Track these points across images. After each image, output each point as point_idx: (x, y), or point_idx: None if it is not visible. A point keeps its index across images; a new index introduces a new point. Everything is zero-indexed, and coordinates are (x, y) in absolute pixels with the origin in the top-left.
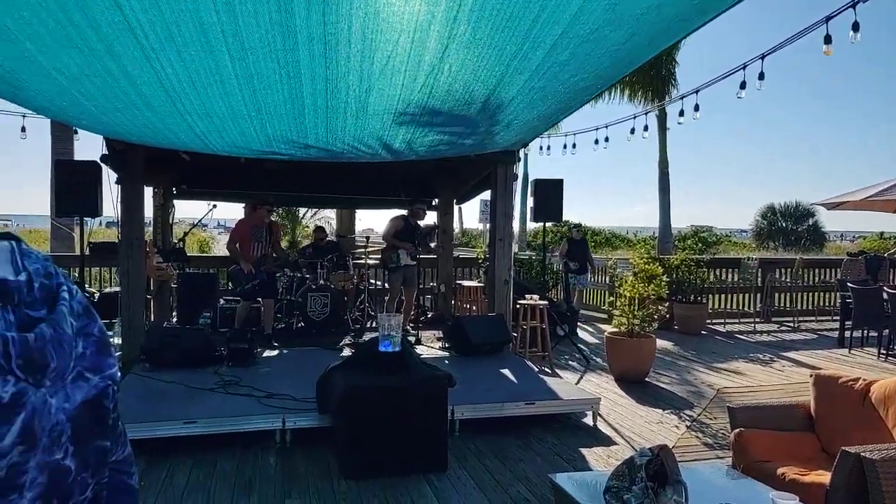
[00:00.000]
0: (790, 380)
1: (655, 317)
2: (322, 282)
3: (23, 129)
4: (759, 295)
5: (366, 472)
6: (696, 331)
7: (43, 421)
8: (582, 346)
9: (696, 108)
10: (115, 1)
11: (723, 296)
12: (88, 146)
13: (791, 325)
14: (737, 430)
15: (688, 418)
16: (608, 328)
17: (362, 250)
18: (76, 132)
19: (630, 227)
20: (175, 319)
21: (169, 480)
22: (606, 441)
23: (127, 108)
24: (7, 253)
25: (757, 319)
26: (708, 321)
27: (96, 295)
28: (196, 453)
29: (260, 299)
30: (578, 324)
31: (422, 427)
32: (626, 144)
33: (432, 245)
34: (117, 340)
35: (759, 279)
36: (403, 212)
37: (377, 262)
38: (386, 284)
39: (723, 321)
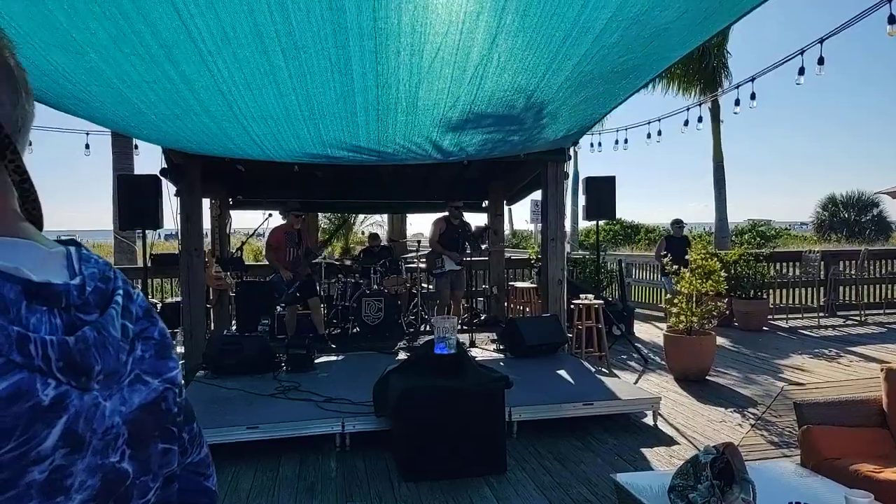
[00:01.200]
0: (858, 375)
1: (714, 313)
2: (376, 286)
3: (87, 147)
4: (822, 289)
5: (425, 475)
6: (757, 327)
7: (94, 424)
8: (639, 346)
9: (753, 96)
10: (174, 6)
11: (784, 290)
12: (147, 161)
13: (857, 318)
14: (804, 427)
15: (752, 416)
16: (665, 326)
17: (414, 254)
18: (136, 147)
19: (686, 224)
20: (234, 327)
21: (234, 485)
22: (668, 441)
23: (186, 115)
24: (63, 258)
25: (821, 314)
26: (769, 317)
27: (158, 305)
28: (259, 458)
29: (308, 301)
30: (635, 323)
31: (479, 429)
32: (679, 139)
33: (484, 247)
34: (179, 349)
35: (822, 272)
36: (445, 213)
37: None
38: (433, 289)
39: (785, 316)
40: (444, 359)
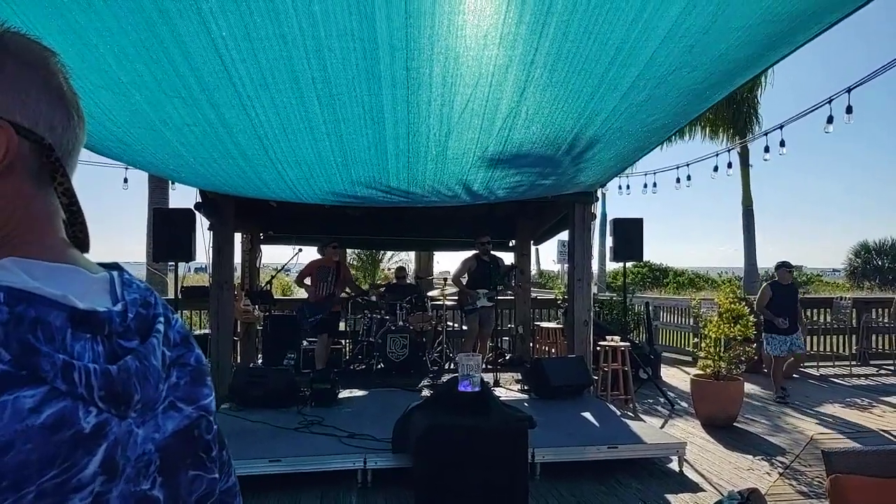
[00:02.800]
0: (892, 425)
1: (743, 358)
2: (401, 323)
3: (125, 181)
4: (854, 336)
5: None
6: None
7: (128, 451)
8: (665, 390)
9: (783, 143)
10: (217, 51)
11: (815, 337)
12: (182, 196)
13: (891, 367)
14: (833, 476)
15: (780, 465)
16: (693, 371)
17: (440, 292)
18: (172, 184)
19: (713, 268)
20: (261, 360)
21: None
22: (693, 487)
23: (223, 158)
24: (106, 283)
25: (853, 362)
26: (800, 364)
27: None
28: (280, 491)
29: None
30: (662, 366)
31: (502, 469)
32: (708, 184)
33: (512, 284)
34: None
35: (854, 320)
36: (475, 251)
37: (454, 303)
38: (464, 326)
39: (816, 364)
40: (468, 397)
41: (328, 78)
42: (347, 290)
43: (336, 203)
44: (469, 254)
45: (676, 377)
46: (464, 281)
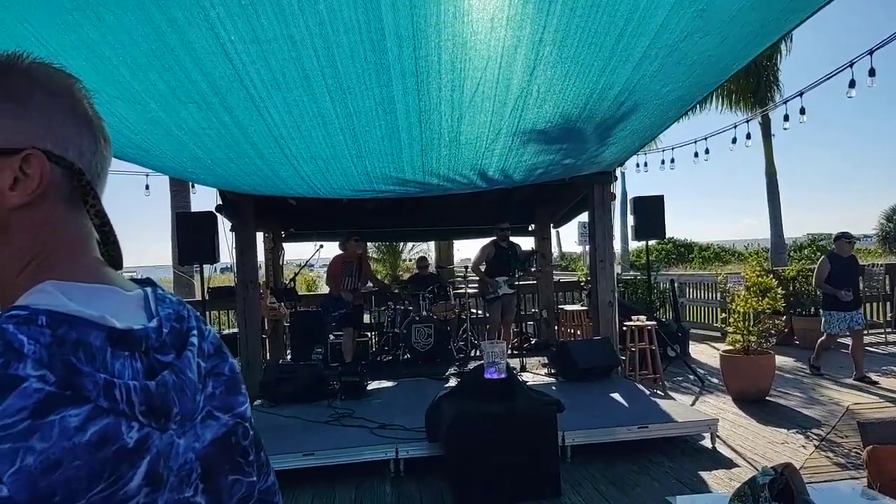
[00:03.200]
0: None
1: (773, 332)
2: (425, 313)
3: (146, 187)
4: (888, 303)
5: (479, 500)
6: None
7: (170, 462)
8: (695, 367)
9: (803, 111)
10: (227, 55)
11: None
12: (203, 199)
13: None
14: (870, 447)
15: (816, 438)
16: (722, 346)
17: (462, 280)
18: (193, 187)
19: (739, 241)
20: (289, 356)
21: None
22: (727, 463)
23: (240, 158)
24: (141, 300)
25: (888, 330)
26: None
27: None
28: (316, 484)
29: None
30: (690, 343)
31: (533, 453)
32: (729, 156)
33: (532, 270)
34: None
35: (888, 286)
36: (493, 238)
37: (476, 290)
38: (486, 313)
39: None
40: (495, 384)
41: (338, 73)
42: (370, 283)
43: (354, 197)
44: (487, 241)
45: (705, 353)
46: (483, 269)
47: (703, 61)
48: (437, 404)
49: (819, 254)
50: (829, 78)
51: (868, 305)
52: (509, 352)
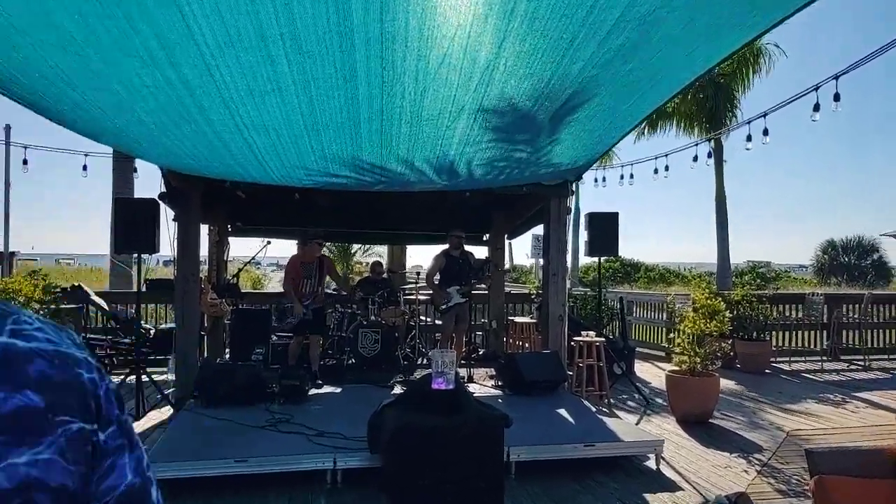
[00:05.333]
0: (866, 422)
1: (718, 354)
2: (373, 318)
3: (84, 168)
4: (825, 332)
5: None
6: (759, 369)
7: None
8: (640, 385)
9: (766, 132)
10: (178, 6)
11: (787, 333)
12: (147, 186)
13: (861, 363)
14: (817, 476)
15: (757, 462)
16: (668, 367)
17: (413, 286)
18: (135, 171)
19: (684, 263)
20: (228, 355)
21: None
22: (671, 486)
23: (186, 123)
24: None
25: (824, 358)
26: (772, 359)
27: (152, 331)
28: (248, 492)
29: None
30: (635, 362)
31: (477, 469)
32: (677, 179)
33: (484, 278)
34: (171, 377)
35: (826, 316)
36: (445, 246)
37: (428, 297)
38: (437, 321)
39: (788, 359)
40: (442, 394)
41: (297, 34)
42: (334, 286)
43: (308, 186)
44: (438, 250)
45: (650, 372)
46: (437, 280)
47: (667, 45)
48: (380, 413)
49: (759, 280)
50: (793, 100)
51: (806, 333)
52: (459, 362)
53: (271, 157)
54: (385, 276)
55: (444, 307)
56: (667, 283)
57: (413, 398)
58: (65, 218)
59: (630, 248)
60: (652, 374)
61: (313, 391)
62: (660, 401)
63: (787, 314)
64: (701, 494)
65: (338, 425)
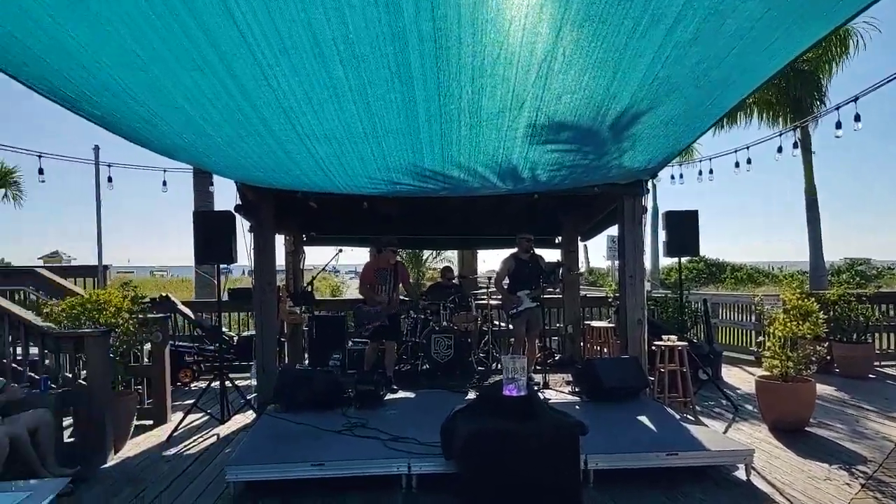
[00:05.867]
0: None
1: (814, 358)
2: (445, 323)
3: (164, 183)
4: None
5: None
6: (862, 374)
7: None
8: (728, 391)
9: (857, 118)
10: (231, 16)
11: (892, 334)
12: (226, 201)
13: None
14: None
15: (862, 475)
16: (757, 371)
17: (485, 291)
18: (212, 185)
19: (774, 262)
20: (307, 361)
21: None
22: (764, 499)
23: (251, 136)
24: None
25: None
26: (876, 363)
27: (235, 339)
28: (324, 496)
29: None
30: (723, 366)
31: (552, 477)
32: (763, 174)
33: (556, 282)
34: (254, 382)
35: None
36: (514, 250)
37: (500, 302)
38: (510, 326)
39: (894, 363)
40: (514, 401)
41: (350, 37)
42: (404, 292)
43: (373, 193)
44: (507, 254)
45: (738, 377)
46: (506, 284)
47: (745, 37)
48: (452, 419)
49: (858, 279)
50: (885, 83)
51: None
52: (533, 367)
53: (335, 167)
54: (456, 281)
55: (513, 312)
56: (756, 284)
57: (485, 404)
58: (158, 233)
59: (714, 247)
60: (741, 379)
61: (388, 396)
62: (749, 407)
63: (892, 314)
64: None
65: (412, 430)
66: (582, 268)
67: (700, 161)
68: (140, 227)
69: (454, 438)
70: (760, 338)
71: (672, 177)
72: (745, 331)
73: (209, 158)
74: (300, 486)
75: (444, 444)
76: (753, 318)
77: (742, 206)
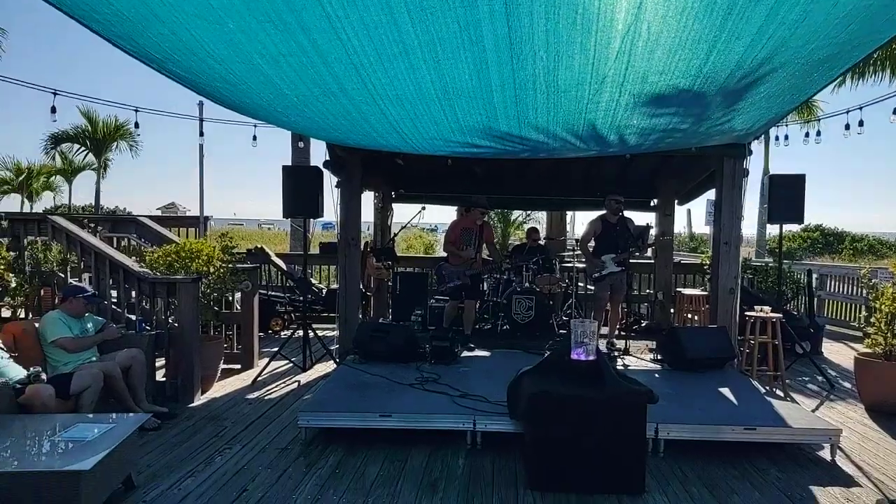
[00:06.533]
0: None
1: None
2: (527, 284)
3: (254, 138)
4: None
5: (553, 486)
6: None
7: None
8: (826, 368)
9: None
10: None
11: None
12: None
13: None
14: None
15: None
16: (862, 348)
17: (571, 253)
18: (301, 139)
19: None
20: (391, 317)
21: (362, 470)
22: (847, 481)
23: (325, 96)
24: None
25: None
26: None
27: (324, 291)
28: (390, 446)
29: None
30: (825, 342)
31: (615, 444)
32: (891, 133)
33: (644, 247)
34: (334, 333)
35: None
36: (603, 212)
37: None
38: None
39: None
40: (580, 365)
41: None
42: (486, 252)
43: (452, 154)
44: (595, 215)
45: (841, 354)
46: (591, 246)
47: (861, 13)
48: (518, 380)
49: None
50: None
51: None
52: (617, 333)
53: (408, 128)
54: (542, 242)
55: (596, 275)
56: (878, 256)
57: (552, 367)
58: (266, 187)
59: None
60: (844, 355)
61: (464, 354)
62: (847, 385)
63: None
64: (882, 493)
65: (483, 388)
66: (684, 232)
67: (806, 122)
68: (249, 181)
69: (519, 399)
70: (866, 313)
71: (776, 137)
72: (855, 305)
73: (288, 118)
74: (368, 436)
75: (510, 404)
76: (864, 291)
77: (868, 169)
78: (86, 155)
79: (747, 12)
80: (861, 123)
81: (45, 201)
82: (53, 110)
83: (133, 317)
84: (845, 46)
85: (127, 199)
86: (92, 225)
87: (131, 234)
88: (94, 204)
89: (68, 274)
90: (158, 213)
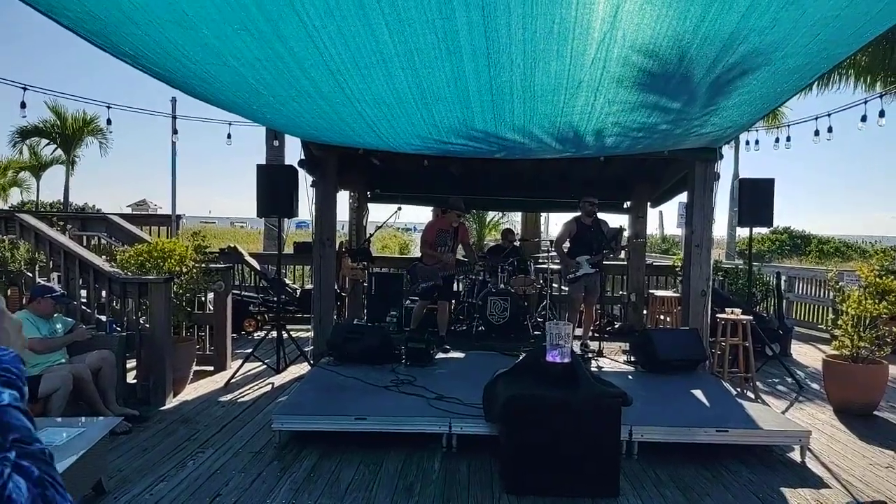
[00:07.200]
0: None
1: (888, 339)
2: (502, 285)
3: (228, 136)
4: None
5: (528, 489)
6: None
7: None
8: (794, 369)
9: None
10: None
11: None
12: (297, 156)
13: None
14: None
15: None
16: (829, 350)
17: (546, 255)
18: (276, 140)
19: (869, 237)
20: (366, 317)
21: (337, 474)
22: (816, 483)
23: (301, 97)
24: None
25: None
26: None
27: (298, 291)
28: (365, 450)
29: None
30: (793, 343)
31: (591, 446)
32: (857, 140)
33: (617, 248)
34: (309, 334)
35: None
36: (577, 214)
37: (560, 267)
38: (566, 291)
39: None
40: (556, 367)
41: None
42: (463, 253)
43: (424, 153)
44: (569, 217)
45: (810, 356)
46: (566, 248)
47: (829, 25)
48: (494, 382)
49: None
50: None
51: None
52: (591, 334)
53: (385, 128)
54: (516, 244)
55: (571, 276)
56: (844, 259)
57: (528, 369)
58: (239, 185)
59: (802, 218)
60: (812, 357)
61: (440, 356)
62: (816, 387)
63: None
64: (851, 495)
65: (458, 391)
66: (656, 234)
67: (777, 128)
68: (222, 179)
69: (494, 401)
70: (833, 315)
71: (747, 142)
72: (822, 307)
73: (264, 115)
74: (343, 439)
75: (486, 407)
76: (832, 293)
77: (832, 173)
78: (54, 150)
79: (720, 19)
80: (830, 129)
81: (12, 197)
82: (23, 105)
83: (103, 317)
84: (815, 58)
85: (96, 196)
86: (61, 223)
87: (102, 232)
88: (62, 200)
89: (36, 273)
90: (129, 210)
